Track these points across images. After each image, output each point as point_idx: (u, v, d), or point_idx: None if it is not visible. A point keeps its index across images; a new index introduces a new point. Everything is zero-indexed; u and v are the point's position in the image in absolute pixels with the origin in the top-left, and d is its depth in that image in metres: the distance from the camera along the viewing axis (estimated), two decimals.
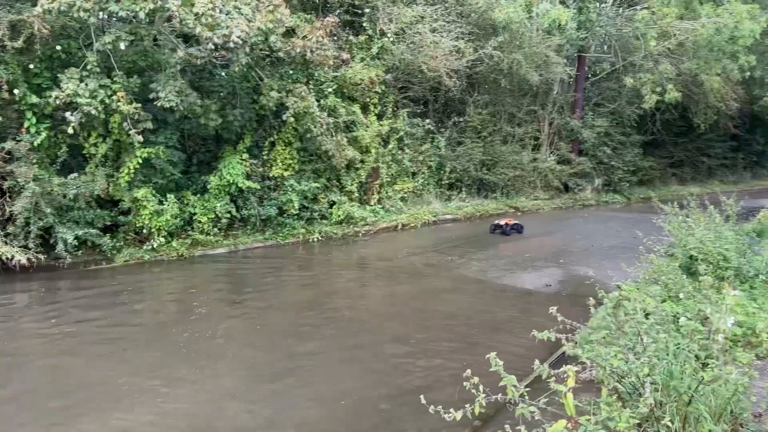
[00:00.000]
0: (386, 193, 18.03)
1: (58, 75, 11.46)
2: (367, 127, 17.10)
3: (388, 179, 18.11)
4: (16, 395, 6.40)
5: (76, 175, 11.79)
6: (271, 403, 6.17)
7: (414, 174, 19.23)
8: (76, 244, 11.61)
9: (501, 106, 22.02)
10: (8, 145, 11.12)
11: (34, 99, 11.40)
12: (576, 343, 4.16)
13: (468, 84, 20.35)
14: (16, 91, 11.19)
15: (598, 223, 19.56)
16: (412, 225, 17.33)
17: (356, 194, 16.91)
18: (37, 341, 8.10)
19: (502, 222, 16.35)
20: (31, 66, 11.56)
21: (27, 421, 5.80)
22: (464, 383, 3.73)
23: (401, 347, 7.89)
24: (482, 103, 21.23)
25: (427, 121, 19.52)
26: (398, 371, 7.07)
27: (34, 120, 11.47)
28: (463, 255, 13.57)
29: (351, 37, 17.25)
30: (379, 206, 17.50)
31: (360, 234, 16.00)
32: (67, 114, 11.06)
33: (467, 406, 3.72)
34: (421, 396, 3.93)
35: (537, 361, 3.74)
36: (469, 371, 3.75)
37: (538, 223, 19.49)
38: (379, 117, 17.80)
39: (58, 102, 10.99)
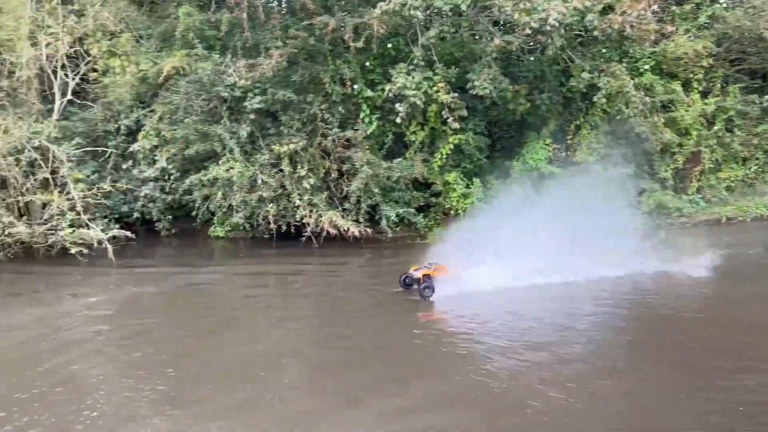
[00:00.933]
0: (708, 181, 15.84)
1: (388, 70, 12.91)
2: (689, 106, 15.24)
3: (712, 165, 15.83)
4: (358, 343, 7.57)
5: (400, 159, 13.20)
6: (583, 394, 6.05)
7: (745, 160, 16.44)
8: (396, 221, 13.07)
9: None
10: (348, 133, 13.02)
11: (369, 93, 13.14)
12: None
13: None
14: (355, 86, 13.02)
15: None
16: (740, 218, 15.00)
17: (671, 182, 15.25)
18: (364, 295, 9.84)
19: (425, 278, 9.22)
20: (367, 63, 13.34)
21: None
22: None
23: (728, 361, 6.87)
24: None
25: (766, 97, 16.37)
26: (725, 386, 6.24)
27: (368, 111, 13.25)
28: None
29: (674, 7, 15.47)
30: (699, 196, 15.55)
31: (673, 226, 14.38)
32: (397, 105, 12.40)
33: None
34: None
35: None
36: None
37: None
38: (704, 94, 15.70)
39: (390, 94, 12.37)
